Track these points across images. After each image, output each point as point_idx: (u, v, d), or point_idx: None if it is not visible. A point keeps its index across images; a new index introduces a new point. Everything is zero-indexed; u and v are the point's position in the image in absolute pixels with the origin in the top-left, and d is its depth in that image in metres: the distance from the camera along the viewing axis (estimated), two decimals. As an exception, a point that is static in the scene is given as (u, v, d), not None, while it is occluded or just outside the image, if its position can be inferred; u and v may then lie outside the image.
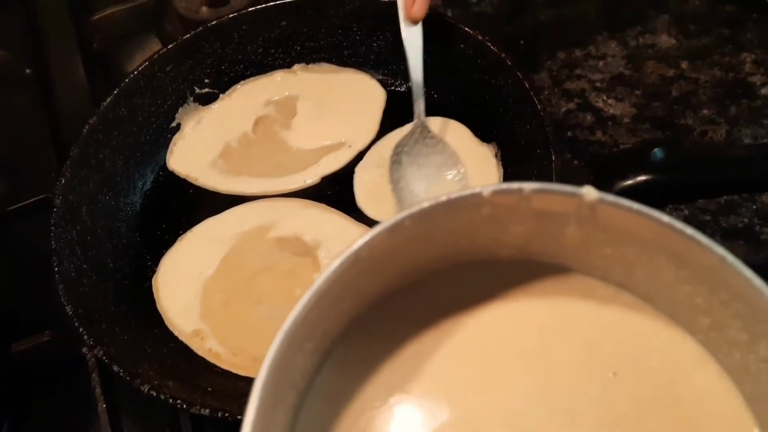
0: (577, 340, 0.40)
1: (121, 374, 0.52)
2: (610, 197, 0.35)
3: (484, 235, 0.39)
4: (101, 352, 0.53)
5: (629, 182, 0.56)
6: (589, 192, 0.35)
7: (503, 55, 0.64)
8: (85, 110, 0.82)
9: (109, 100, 0.67)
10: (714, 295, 0.35)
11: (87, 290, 0.58)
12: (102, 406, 0.61)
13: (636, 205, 0.34)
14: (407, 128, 0.69)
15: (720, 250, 0.33)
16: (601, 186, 0.57)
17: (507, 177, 0.64)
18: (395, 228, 0.35)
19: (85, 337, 0.54)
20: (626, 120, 0.80)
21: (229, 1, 0.86)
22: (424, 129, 0.65)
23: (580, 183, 0.59)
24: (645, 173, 0.55)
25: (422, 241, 0.38)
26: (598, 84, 0.84)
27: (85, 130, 0.65)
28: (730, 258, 0.33)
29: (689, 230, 0.34)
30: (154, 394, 0.51)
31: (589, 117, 0.81)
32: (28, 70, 0.85)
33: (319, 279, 0.33)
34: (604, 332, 0.40)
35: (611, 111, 0.81)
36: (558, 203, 0.37)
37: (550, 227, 0.39)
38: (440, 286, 0.41)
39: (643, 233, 0.35)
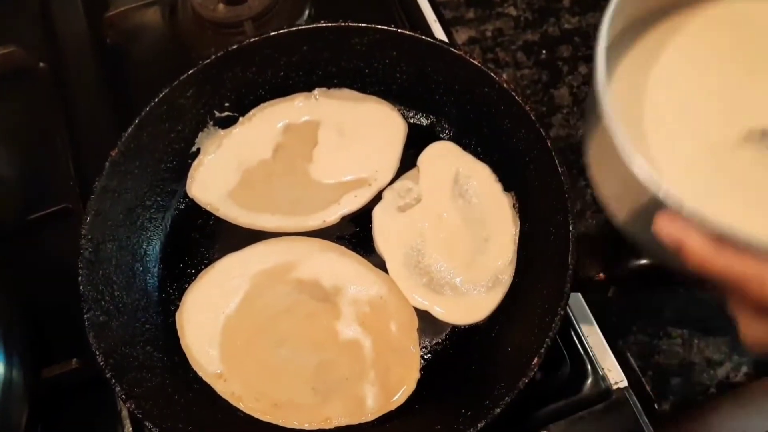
0: None
1: (153, 430, 0.55)
2: None
3: None
4: (133, 405, 0.56)
5: (644, 262, 0.57)
6: None
7: (527, 108, 0.63)
8: (99, 107, 0.82)
9: (130, 130, 0.66)
10: None
11: (115, 333, 0.60)
12: (128, 428, 0.65)
13: None
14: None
15: None
16: (614, 263, 0.59)
17: (523, 233, 0.65)
18: None
19: (117, 389, 0.57)
20: (643, 147, 0.80)
21: (247, 0, 0.83)
22: None
23: (595, 257, 0.61)
24: (659, 255, 0.57)
25: None
26: (617, 105, 0.83)
27: (107, 163, 0.64)
28: None
29: None
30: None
31: (606, 142, 0.81)
32: (42, 64, 0.84)
33: None
34: None
35: (629, 136, 0.81)
36: None
37: None
38: None
39: None
